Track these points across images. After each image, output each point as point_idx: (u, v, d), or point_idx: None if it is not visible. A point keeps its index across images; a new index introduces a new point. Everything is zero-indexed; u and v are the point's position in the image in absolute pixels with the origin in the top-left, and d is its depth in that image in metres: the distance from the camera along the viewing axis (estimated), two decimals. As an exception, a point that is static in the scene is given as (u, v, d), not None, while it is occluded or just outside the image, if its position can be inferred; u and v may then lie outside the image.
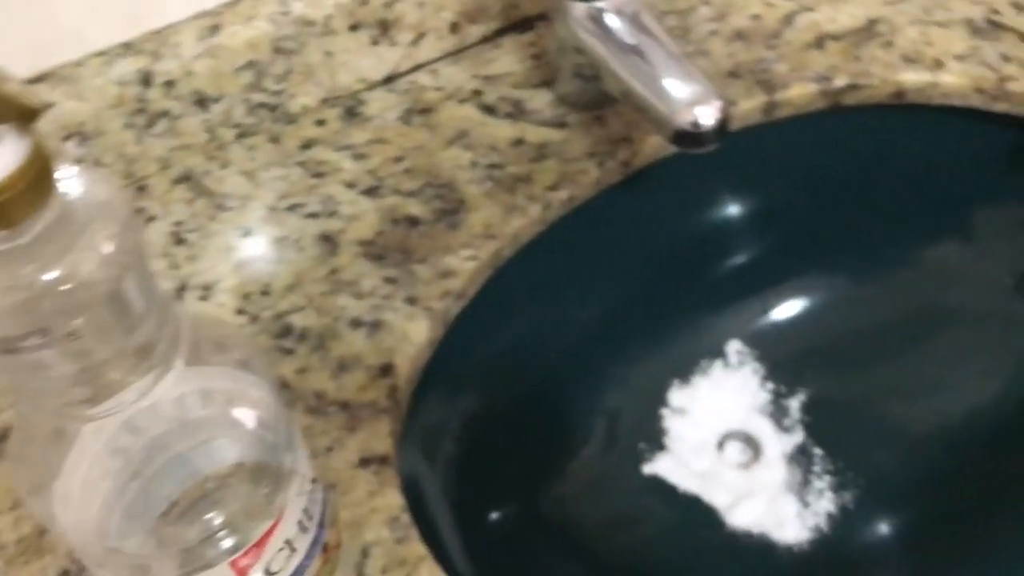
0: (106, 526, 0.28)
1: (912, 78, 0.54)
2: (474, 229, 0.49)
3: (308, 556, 0.31)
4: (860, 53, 0.55)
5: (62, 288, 0.23)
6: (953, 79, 0.53)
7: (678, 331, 0.59)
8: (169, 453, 0.28)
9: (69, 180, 0.25)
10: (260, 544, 0.29)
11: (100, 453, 0.28)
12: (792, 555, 0.52)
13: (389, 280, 0.48)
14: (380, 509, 0.40)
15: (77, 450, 0.27)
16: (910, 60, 0.54)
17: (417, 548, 0.39)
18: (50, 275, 0.23)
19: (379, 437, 0.42)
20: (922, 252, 0.55)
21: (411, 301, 0.47)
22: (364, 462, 0.41)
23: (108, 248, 0.24)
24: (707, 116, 0.45)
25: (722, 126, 0.45)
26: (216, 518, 0.29)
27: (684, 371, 0.59)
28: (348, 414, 0.43)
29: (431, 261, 0.48)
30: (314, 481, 0.32)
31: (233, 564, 0.29)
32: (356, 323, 0.46)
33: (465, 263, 0.48)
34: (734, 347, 0.60)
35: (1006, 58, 0.54)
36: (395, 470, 0.41)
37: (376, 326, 0.46)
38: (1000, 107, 0.53)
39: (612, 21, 0.48)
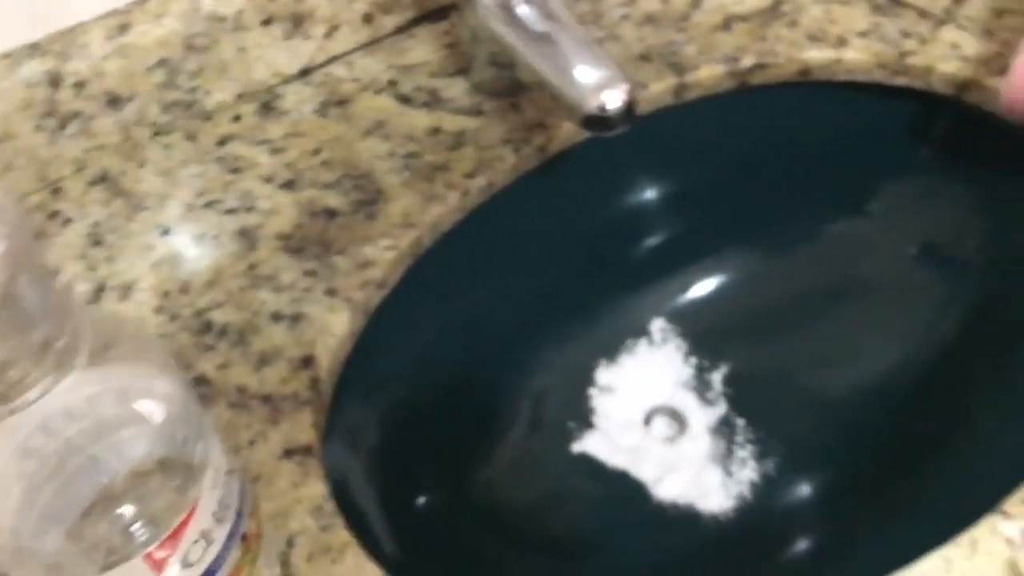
0: (20, 527, 0.29)
1: (816, 56, 0.55)
2: (393, 219, 0.50)
3: (226, 547, 0.32)
4: (766, 33, 0.56)
5: None
6: (856, 55, 0.55)
7: (603, 312, 0.60)
8: (83, 454, 0.29)
9: None
10: (175, 536, 0.30)
11: (12, 455, 0.29)
12: (717, 524, 0.54)
13: (309, 273, 0.48)
14: (304, 499, 0.41)
15: None
16: (814, 38, 0.56)
17: (342, 535, 0.39)
18: None
19: (302, 428, 0.43)
20: (831, 225, 0.57)
21: (331, 293, 0.47)
22: (287, 453, 0.42)
23: None
24: (614, 100, 0.46)
25: (629, 109, 0.46)
26: (129, 513, 0.29)
27: (610, 350, 0.60)
28: (270, 407, 0.43)
29: (350, 252, 0.49)
30: (230, 472, 0.32)
31: (148, 557, 0.30)
32: (276, 317, 0.47)
33: (384, 253, 0.49)
34: (658, 325, 0.61)
35: (906, 34, 0.56)
36: (319, 460, 0.42)
37: (296, 319, 0.46)
38: (901, 81, 0.55)
39: (521, 9, 0.49)
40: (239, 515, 0.33)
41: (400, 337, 0.49)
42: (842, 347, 0.56)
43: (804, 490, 0.54)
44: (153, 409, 0.29)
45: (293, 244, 0.49)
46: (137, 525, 0.29)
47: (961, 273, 0.53)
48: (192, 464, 0.30)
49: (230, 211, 0.51)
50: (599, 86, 0.46)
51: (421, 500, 0.48)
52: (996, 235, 0.53)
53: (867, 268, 0.55)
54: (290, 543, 0.39)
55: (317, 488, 0.41)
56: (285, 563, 0.39)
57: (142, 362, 0.30)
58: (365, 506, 0.44)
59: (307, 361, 0.45)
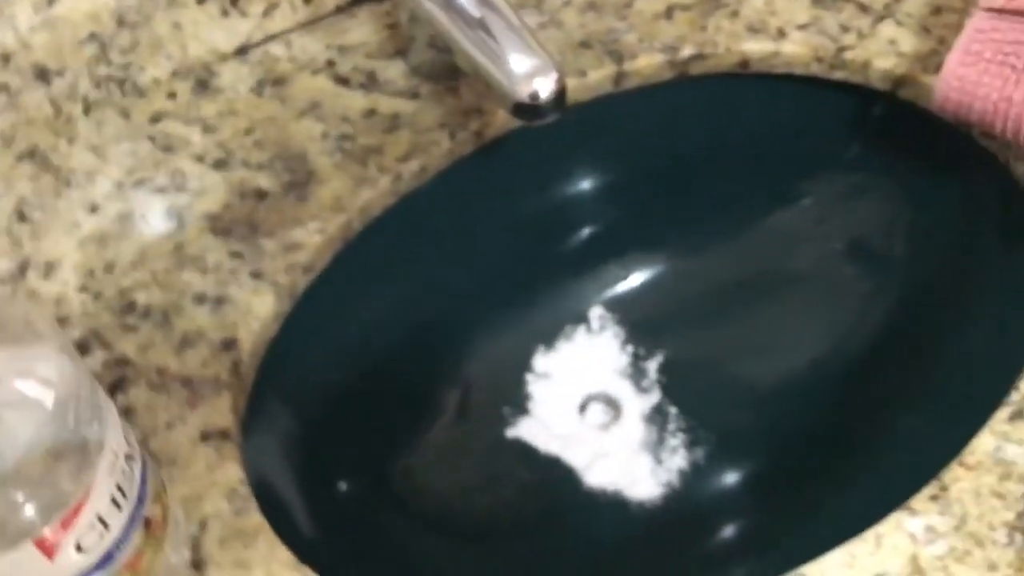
0: None
1: (755, 47, 0.55)
2: (323, 202, 0.50)
3: (125, 532, 0.32)
4: (707, 23, 0.56)
5: None
6: (794, 48, 0.55)
7: (541, 298, 0.60)
8: None
9: None
10: (68, 521, 0.30)
11: None
12: (644, 511, 0.54)
13: (235, 255, 0.48)
14: (219, 483, 0.41)
15: None
16: (754, 30, 0.56)
17: (255, 519, 0.40)
18: None
19: (220, 412, 0.43)
20: (764, 218, 0.57)
21: (257, 276, 0.47)
22: (204, 437, 0.42)
23: None
24: (545, 88, 0.46)
25: (560, 97, 0.46)
26: (20, 497, 0.29)
27: (548, 337, 0.60)
28: (189, 389, 0.43)
29: (278, 235, 0.48)
30: (130, 458, 0.32)
31: (39, 543, 0.29)
32: (200, 298, 0.46)
33: (313, 236, 0.48)
34: (596, 312, 0.61)
35: (845, 28, 0.56)
36: (236, 444, 0.42)
37: (220, 301, 0.46)
38: (838, 75, 0.55)
39: (457, -8, 0.49)
40: (140, 500, 0.33)
41: (326, 322, 0.49)
42: (771, 339, 0.56)
43: (730, 480, 0.54)
44: (43, 392, 0.29)
45: (221, 225, 0.49)
46: (29, 509, 0.29)
47: (886, 270, 0.54)
48: (87, 448, 0.30)
49: (160, 190, 0.50)
50: (530, 74, 0.46)
51: (343, 486, 0.48)
52: (923, 234, 0.53)
53: (797, 261, 0.56)
54: (203, 527, 0.39)
55: (233, 472, 0.41)
56: (196, 547, 0.39)
57: (34, 344, 0.29)
58: (283, 491, 0.44)
59: (229, 344, 0.45)
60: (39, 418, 0.29)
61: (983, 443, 0.41)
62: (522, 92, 0.46)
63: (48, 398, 0.29)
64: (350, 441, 0.49)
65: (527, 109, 0.46)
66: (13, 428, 0.29)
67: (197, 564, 0.38)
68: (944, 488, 0.40)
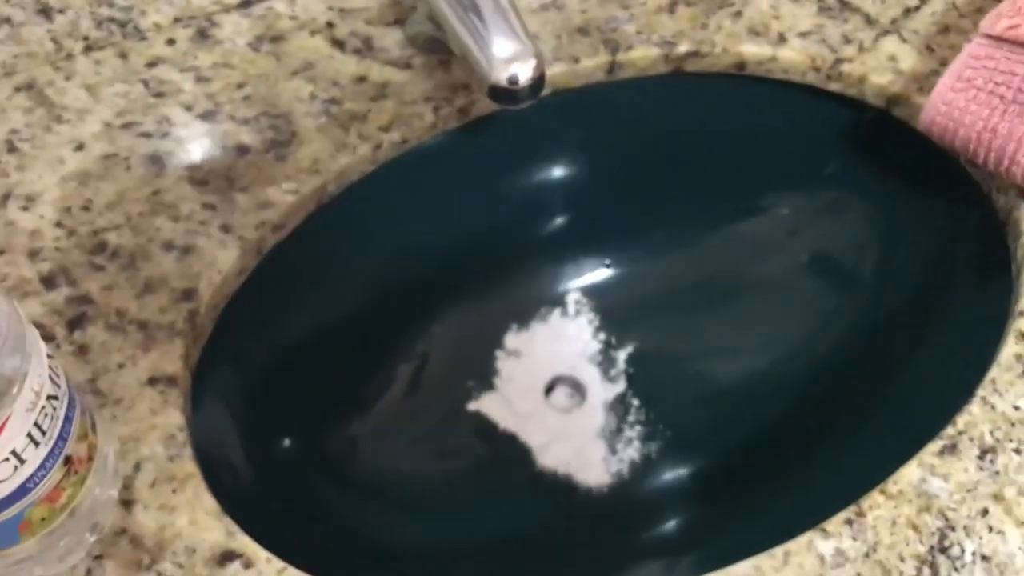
0: None
1: (753, 50, 0.55)
2: (301, 163, 0.50)
3: (42, 467, 0.33)
4: (709, 21, 0.56)
5: None
6: (792, 55, 0.54)
7: (520, 278, 0.61)
8: None
9: None
10: None
11: None
12: (591, 496, 0.55)
13: (208, 206, 0.49)
14: (159, 427, 0.42)
15: None
16: (755, 32, 0.55)
17: (188, 466, 0.41)
18: None
19: (170, 358, 0.44)
20: (743, 221, 0.57)
21: (225, 229, 0.48)
22: (152, 381, 0.43)
23: None
24: (523, 73, 0.46)
25: (537, 84, 0.46)
26: None
27: (523, 316, 0.61)
28: (145, 334, 0.45)
29: (253, 191, 0.49)
30: (53, 398, 0.34)
31: None
32: (168, 246, 0.47)
33: (286, 196, 0.49)
34: (573, 297, 0.62)
35: (847, 39, 0.55)
36: (181, 392, 0.43)
37: (187, 250, 0.47)
38: (833, 87, 0.54)
39: (451, -31, 0.49)
40: (62, 439, 0.34)
41: (290, 282, 0.50)
42: (734, 342, 0.56)
43: (674, 477, 0.55)
44: None
45: (199, 176, 0.50)
46: None
47: (852, 289, 0.54)
48: (4, 382, 0.31)
49: (145, 135, 0.51)
50: (510, 58, 0.46)
51: (284, 445, 0.49)
52: (894, 257, 0.53)
53: (767, 268, 0.56)
54: (137, 467, 0.41)
55: (174, 418, 0.42)
56: (128, 486, 0.40)
57: None
58: (223, 443, 0.45)
59: (189, 294, 0.46)
60: None
61: (909, 473, 0.41)
62: (500, 76, 0.46)
63: None
64: (298, 402, 0.51)
65: (504, 93, 0.46)
66: None
67: (126, 503, 0.40)
68: (861, 513, 0.40)
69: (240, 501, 0.41)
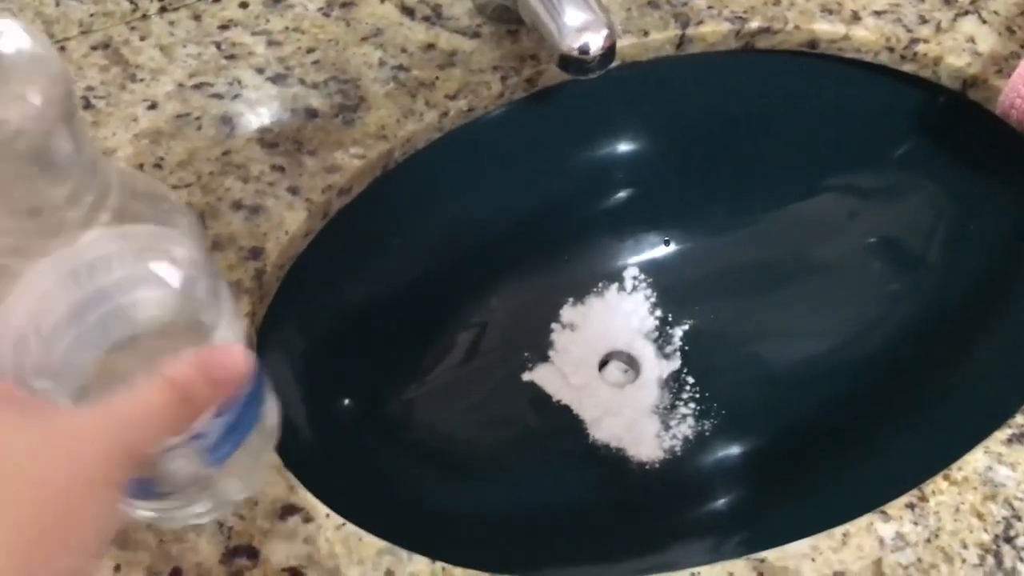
0: (23, 363, 0.30)
1: (826, 28, 0.54)
2: (368, 128, 0.51)
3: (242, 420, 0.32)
4: (782, -3, 0.55)
5: None
6: (865, 34, 0.54)
7: (578, 252, 0.61)
8: (99, 310, 0.29)
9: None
10: None
11: (41, 296, 0.30)
12: (643, 471, 0.55)
13: (276, 168, 0.49)
14: (225, 382, 0.43)
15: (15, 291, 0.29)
16: (828, 10, 0.54)
17: (251, 422, 0.42)
18: None
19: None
20: (807, 202, 0.57)
21: (293, 191, 0.49)
22: (218, 337, 0.44)
23: (36, 99, 0.25)
24: (594, 43, 0.46)
25: (608, 55, 0.46)
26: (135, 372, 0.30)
27: (580, 290, 0.61)
28: (213, 290, 0.45)
29: (321, 155, 0.50)
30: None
31: None
32: (237, 205, 0.48)
33: (353, 160, 0.50)
34: (631, 273, 0.62)
35: (923, 19, 0.54)
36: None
37: (256, 211, 0.48)
38: (908, 68, 0.53)
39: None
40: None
41: (354, 245, 0.50)
42: (794, 323, 0.56)
43: (729, 455, 0.54)
44: (171, 272, 0.29)
45: (269, 138, 0.50)
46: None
47: (917, 274, 0.53)
48: (200, 331, 0.31)
49: (217, 95, 0.52)
50: (581, 28, 0.46)
51: (344, 405, 0.49)
52: (962, 243, 0.52)
53: (830, 250, 0.55)
54: (203, 421, 0.42)
55: (239, 374, 0.43)
56: (194, 438, 0.41)
57: (165, 225, 0.30)
58: (286, 400, 0.45)
59: (257, 253, 0.47)
60: (165, 298, 0.29)
61: (975, 460, 0.41)
62: (570, 44, 0.46)
63: (176, 278, 0.30)
64: (359, 364, 0.51)
65: (574, 62, 0.46)
66: (141, 305, 0.29)
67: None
68: (923, 498, 0.40)
69: (301, 458, 0.42)
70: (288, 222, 0.48)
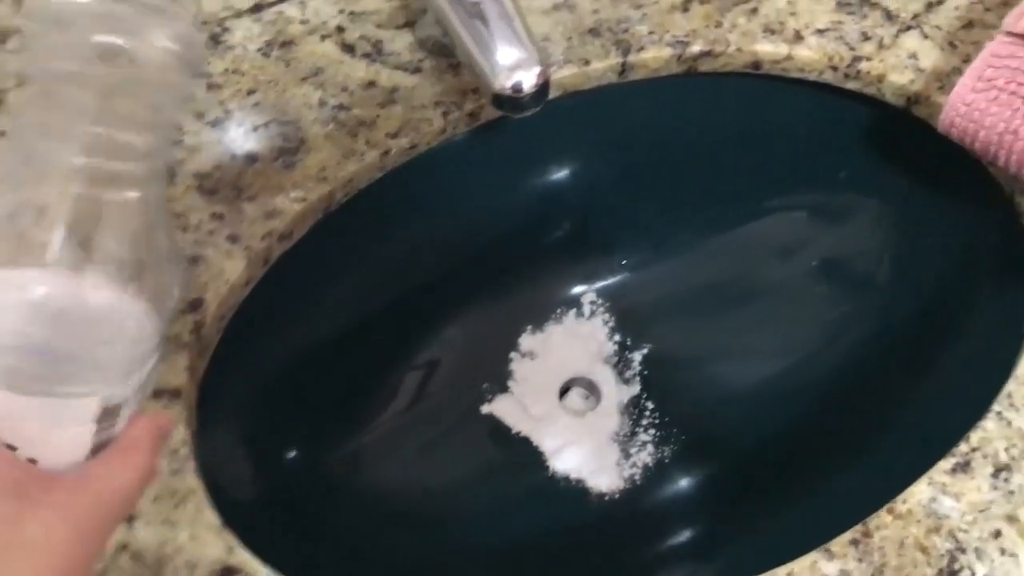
0: None
1: (768, 49, 0.53)
2: (309, 170, 0.50)
3: None
4: (723, 19, 0.55)
5: None
6: (808, 53, 0.53)
7: (534, 280, 0.61)
8: None
9: None
10: None
11: None
12: (603, 503, 0.55)
13: (216, 216, 0.49)
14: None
15: None
16: (770, 30, 0.54)
17: (190, 481, 0.41)
18: None
19: (175, 371, 0.44)
20: (758, 223, 0.56)
21: (233, 239, 0.48)
22: (156, 394, 0.43)
23: None
24: (526, 81, 0.46)
25: (541, 92, 0.46)
26: None
27: (538, 318, 0.61)
28: (152, 346, 0.45)
29: (260, 200, 0.49)
30: None
31: None
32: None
33: (293, 204, 0.49)
34: (588, 298, 0.61)
35: (866, 36, 0.53)
36: (186, 405, 0.43)
37: (195, 261, 0.47)
38: (852, 86, 0.53)
39: (458, -28, 0.48)
40: None
41: (296, 292, 0.50)
42: (750, 346, 0.55)
43: (686, 485, 0.54)
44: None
45: (208, 185, 0.50)
46: None
47: (868, 296, 0.52)
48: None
49: (156, 144, 0.52)
50: (513, 66, 0.45)
51: (291, 457, 0.49)
52: (911, 264, 0.51)
53: (782, 272, 0.55)
54: (142, 481, 0.41)
55: (178, 432, 0.42)
56: (132, 500, 0.41)
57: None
58: (228, 456, 0.45)
59: (195, 304, 0.46)
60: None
61: (919, 492, 0.40)
62: (503, 84, 0.45)
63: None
64: (304, 414, 0.51)
65: (508, 101, 0.46)
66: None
67: (128, 518, 0.40)
68: (867, 534, 0.39)
69: (243, 516, 0.41)
70: (228, 271, 0.47)
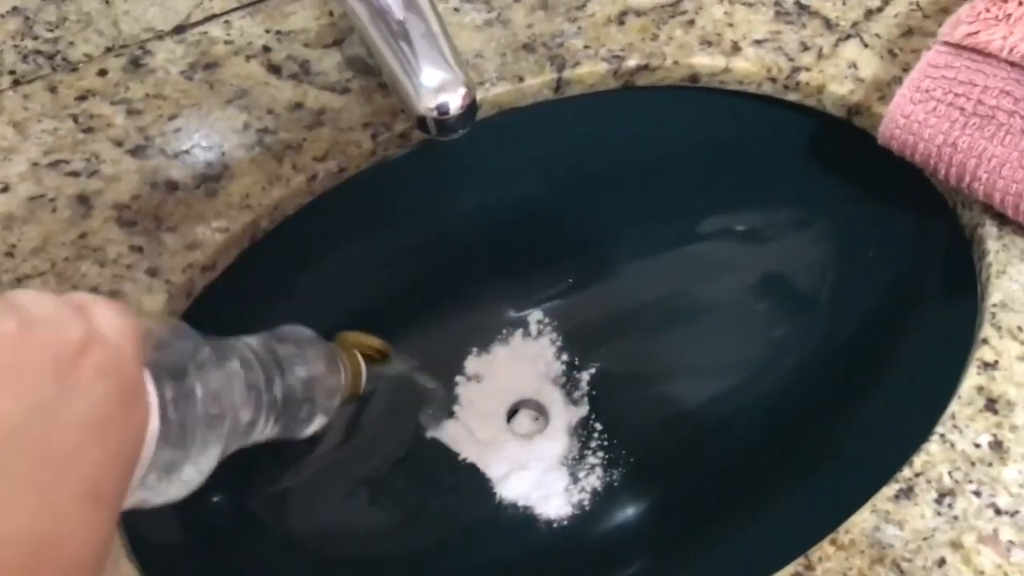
0: None
1: (706, 62, 0.52)
2: (232, 198, 0.48)
3: None
4: (659, 31, 0.53)
5: None
6: (746, 65, 0.52)
7: (478, 301, 0.59)
8: None
9: None
10: None
11: None
12: (551, 530, 0.53)
13: (135, 248, 0.47)
14: (79, 489, 0.40)
15: None
16: (707, 43, 0.53)
17: (107, 531, 0.39)
18: None
19: (92, 415, 0.42)
20: (699, 238, 0.55)
21: (152, 273, 0.46)
22: (72, 440, 0.42)
23: None
24: (452, 102, 0.44)
25: (468, 114, 0.44)
26: None
27: (484, 340, 0.59)
28: (66, 389, 0.43)
29: (181, 230, 0.48)
30: None
31: None
32: (94, 292, 0.46)
33: (215, 235, 0.47)
34: (535, 317, 0.60)
35: (805, 46, 0.52)
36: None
37: (113, 296, 0.46)
38: (792, 97, 0.52)
39: (381, -9, 0.46)
40: None
41: (223, 326, 0.48)
42: (694, 365, 0.54)
43: (640, 510, 0.53)
44: None
45: (127, 216, 0.48)
46: None
47: (808, 312, 0.51)
48: None
49: (73, 173, 0.49)
50: (438, 88, 0.44)
51: (214, 500, 0.47)
52: (854, 279, 0.50)
53: (722, 288, 0.54)
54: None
55: (94, 479, 0.41)
56: (44, 554, 0.39)
57: None
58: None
59: (113, 344, 0.44)
60: None
61: (862, 521, 0.39)
62: (428, 106, 0.44)
63: None
64: (231, 455, 0.49)
65: (434, 123, 0.44)
66: None
67: None
68: (810, 566, 0.38)
69: (167, 567, 0.40)
70: (147, 307, 0.45)
